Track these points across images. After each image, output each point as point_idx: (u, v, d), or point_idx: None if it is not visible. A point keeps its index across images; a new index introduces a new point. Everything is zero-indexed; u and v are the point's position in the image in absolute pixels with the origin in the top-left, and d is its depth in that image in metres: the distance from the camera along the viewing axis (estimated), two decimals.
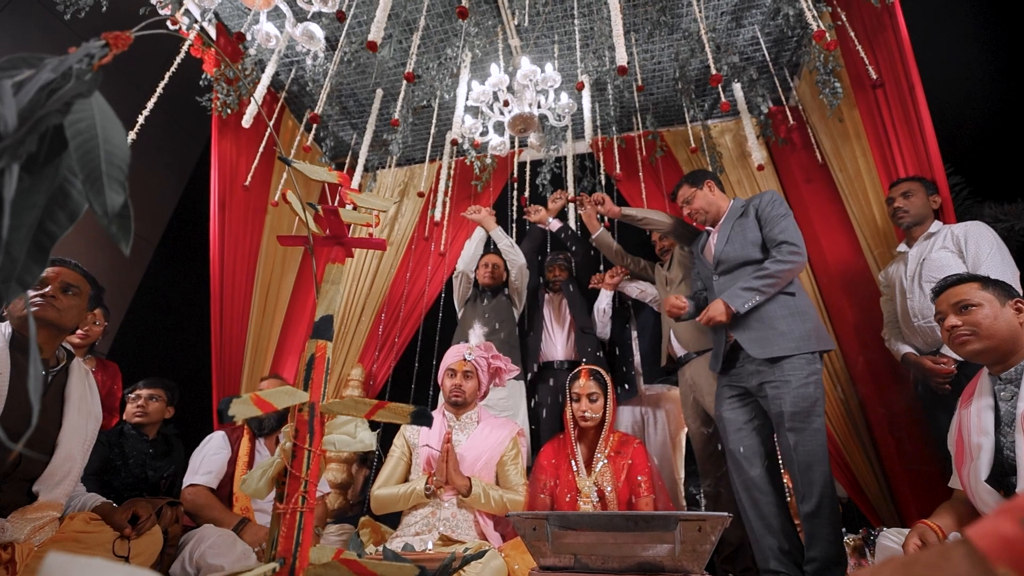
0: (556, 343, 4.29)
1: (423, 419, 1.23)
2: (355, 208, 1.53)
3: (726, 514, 1.61)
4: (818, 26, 3.08)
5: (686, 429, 3.88)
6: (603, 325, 4.25)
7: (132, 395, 3.47)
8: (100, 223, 0.64)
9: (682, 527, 1.61)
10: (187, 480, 3.10)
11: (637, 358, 4.16)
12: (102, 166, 0.63)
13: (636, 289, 4.25)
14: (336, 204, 1.37)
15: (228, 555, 2.39)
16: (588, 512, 2.78)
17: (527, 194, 5.15)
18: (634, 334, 4.25)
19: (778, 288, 2.93)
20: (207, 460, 3.17)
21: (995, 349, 2.00)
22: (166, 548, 2.30)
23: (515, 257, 4.27)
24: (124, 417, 3.45)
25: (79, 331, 3.41)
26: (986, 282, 2.11)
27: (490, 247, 4.44)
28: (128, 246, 0.65)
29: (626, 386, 4.01)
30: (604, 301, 4.27)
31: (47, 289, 2.05)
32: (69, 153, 0.64)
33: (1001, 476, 1.87)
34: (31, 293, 2.03)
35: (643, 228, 3.91)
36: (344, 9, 3.37)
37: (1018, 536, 0.43)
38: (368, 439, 1.27)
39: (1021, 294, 2.06)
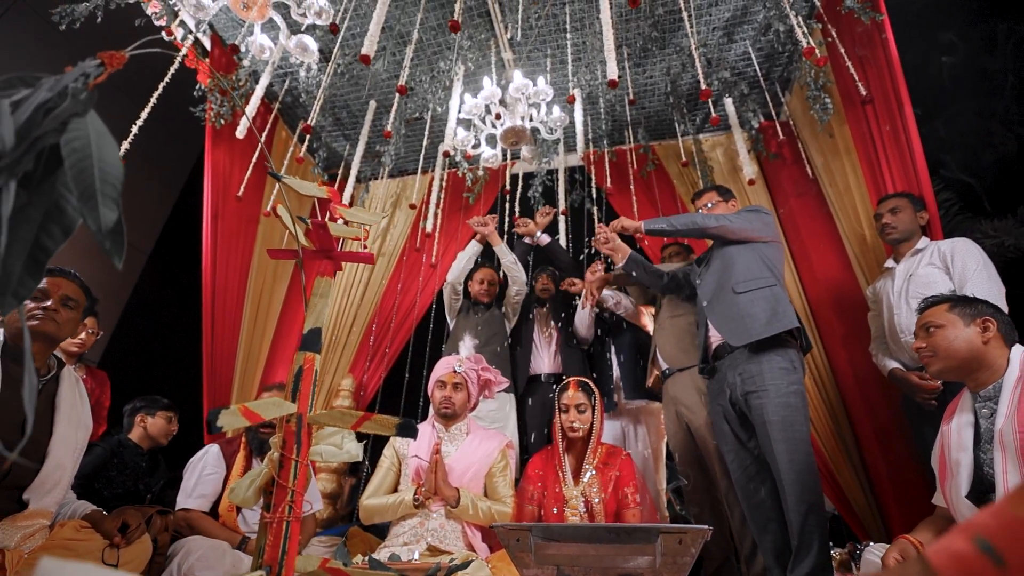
0: (543, 356, 4.30)
1: (408, 431, 1.25)
2: (346, 223, 1.55)
3: (706, 527, 1.63)
4: (808, 43, 3.12)
5: (666, 439, 3.90)
6: (586, 327, 4.24)
7: (170, 416, 3.67)
8: (95, 239, 0.66)
9: (663, 539, 1.62)
10: (180, 502, 2.92)
11: (616, 372, 4.16)
12: (96, 183, 0.65)
13: (612, 298, 4.23)
14: (327, 218, 1.38)
15: (217, 567, 2.39)
16: (571, 524, 2.79)
17: (517, 207, 5.17)
18: (613, 348, 4.25)
19: (687, 231, 3.26)
20: (202, 482, 2.98)
21: (956, 369, 2.07)
22: (155, 557, 2.30)
23: (518, 274, 4.29)
24: (156, 434, 3.58)
25: (77, 340, 3.42)
26: (955, 303, 2.15)
27: (483, 262, 4.44)
28: (121, 260, 0.67)
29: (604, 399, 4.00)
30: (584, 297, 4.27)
31: (48, 303, 2.06)
32: (64, 170, 0.66)
33: (981, 493, 1.89)
34: (32, 305, 2.04)
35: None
36: (338, 22, 3.40)
37: (968, 553, 0.45)
38: (354, 450, 1.29)
39: (997, 311, 2.08)
